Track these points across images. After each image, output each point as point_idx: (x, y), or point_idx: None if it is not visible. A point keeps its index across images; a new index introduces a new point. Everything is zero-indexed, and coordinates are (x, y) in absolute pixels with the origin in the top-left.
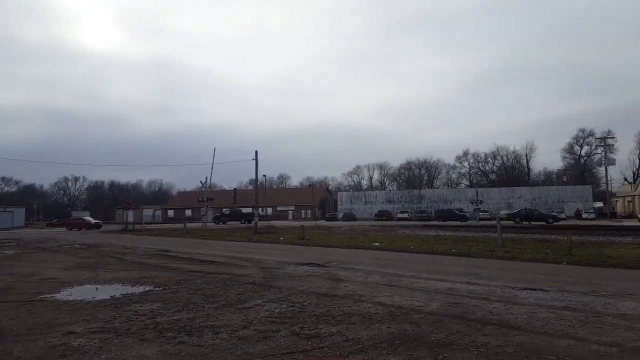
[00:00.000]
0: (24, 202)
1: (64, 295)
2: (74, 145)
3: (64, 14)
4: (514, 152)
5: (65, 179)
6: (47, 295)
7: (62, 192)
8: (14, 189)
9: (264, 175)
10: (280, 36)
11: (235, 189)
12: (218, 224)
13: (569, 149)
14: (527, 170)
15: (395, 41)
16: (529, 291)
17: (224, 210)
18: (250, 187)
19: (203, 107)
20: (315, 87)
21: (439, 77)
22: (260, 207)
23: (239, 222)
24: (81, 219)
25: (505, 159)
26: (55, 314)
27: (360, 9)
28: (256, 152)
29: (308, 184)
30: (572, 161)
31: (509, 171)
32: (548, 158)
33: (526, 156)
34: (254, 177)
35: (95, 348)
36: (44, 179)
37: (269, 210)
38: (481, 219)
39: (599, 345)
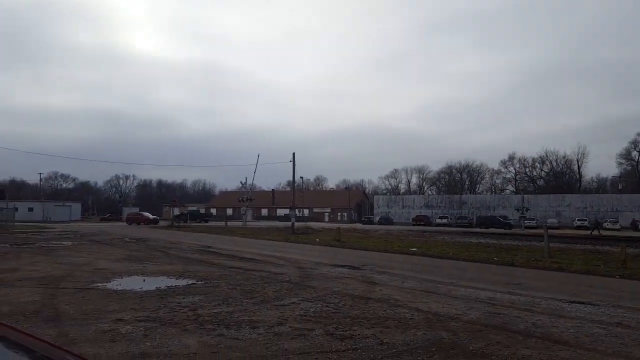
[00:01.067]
0: (80, 197)
1: (114, 284)
2: (125, 146)
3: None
4: (564, 157)
5: (117, 177)
6: (99, 284)
7: (114, 189)
8: (72, 185)
9: (301, 177)
10: (320, 39)
11: (273, 190)
12: (179, 222)
13: (626, 155)
14: (578, 176)
15: (437, 40)
16: (577, 304)
17: (184, 211)
18: (288, 189)
19: (245, 109)
20: (354, 89)
21: (483, 78)
22: (297, 208)
23: (197, 222)
24: (140, 214)
25: (554, 164)
26: (106, 301)
27: (400, 9)
28: (293, 154)
29: (344, 186)
30: (629, 167)
31: (559, 177)
32: (602, 164)
33: (577, 161)
34: (291, 178)
35: (140, 335)
36: (98, 176)
37: (306, 211)
38: (527, 227)
39: None
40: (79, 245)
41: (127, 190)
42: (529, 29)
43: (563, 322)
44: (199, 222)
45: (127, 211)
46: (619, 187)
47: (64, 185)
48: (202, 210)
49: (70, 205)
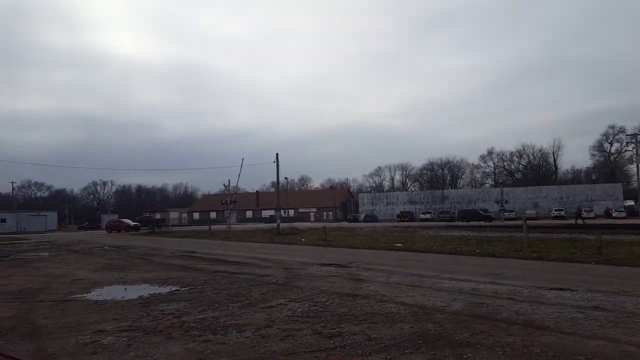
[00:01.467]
0: (55, 206)
1: (94, 295)
2: (102, 150)
3: (89, 20)
4: (540, 151)
5: (95, 184)
6: (79, 295)
7: (91, 196)
8: (46, 193)
9: (285, 178)
10: (304, 38)
11: (257, 191)
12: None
13: (599, 147)
14: (554, 168)
15: (418, 41)
16: (557, 291)
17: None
18: (272, 190)
19: (227, 110)
20: (338, 88)
21: (463, 76)
22: (282, 209)
23: (147, 228)
24: (120, 221)
25: (531, 157)
26: (86, 313)
27: (382, 9)
28: (277, 154)
29: (329, 185)
30: (602, 159)
31: (536, 170)
32: (576, 156)
33: (553, 154)
34: (275, 179)
35: (124, 346)
36: (74, 183)
37: (291, 212)
38: (507, 219)
39: (630, 345)
40: (56, 255)
41: (106, 197)
42: (507, 28)
43: (544, 308)
44: (154, 229)
45: (105, 219)
46: (593, 178)
47: (38, 194)
48: (185, 215)
49: (46, 215)
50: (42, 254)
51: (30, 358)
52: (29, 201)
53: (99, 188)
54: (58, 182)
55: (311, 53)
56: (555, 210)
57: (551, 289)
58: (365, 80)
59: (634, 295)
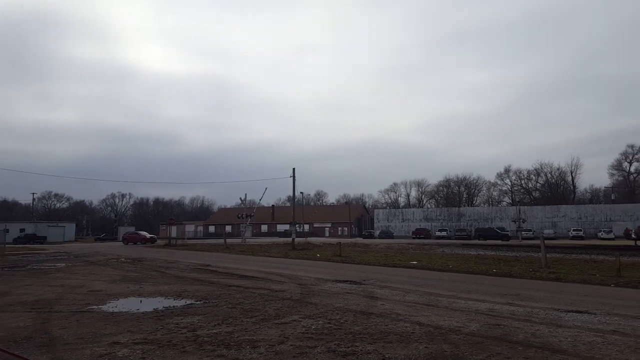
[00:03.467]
0: (74, 217)
1: (110, 306)
2: (124, 163)
3: (118, 33)
4: (558, 169)
5: (113, 196)
6: (95, 307)
7: (109, 208)
8: (65, 205)
9: (301, 192)
10: (326, 53)
11: (273, 205)
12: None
13: (617, 166)
14: (572, 187)
15: (440, 57)
16: (574, 314)
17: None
18: (288, 204)
19: (248, 125)
20: (357, 104)
21: (483, 93)
22: (297, 223)
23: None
24: (137, 233)
25: (549, 176)
26: (102, 324)
27: (406, 25)
28: (294, 169)
29: (345, 201)
30: (621, 178)
31: (554, 189)
32: (595, 175)
33: (571, 173)
34: (291, 193)
35: (138, 358)
36: (93, 195)
37: (306, 227)
38: (524, 239)
39: None
40: (73, 266)
41: (123, 209)
42: (527, 46)
43: (561, 331)
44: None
45: (122, 230)
46: (612, 198)
47: (58, 205)
48: (201, 228)
49: (64, 226)
50: (59, 264)
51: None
52: (48, 212)
53: (117, 200)
54: (78, 193)
55: (332, 68)
56: (573, 230)
57: (569, 311)
58: (385, 96)
59: None
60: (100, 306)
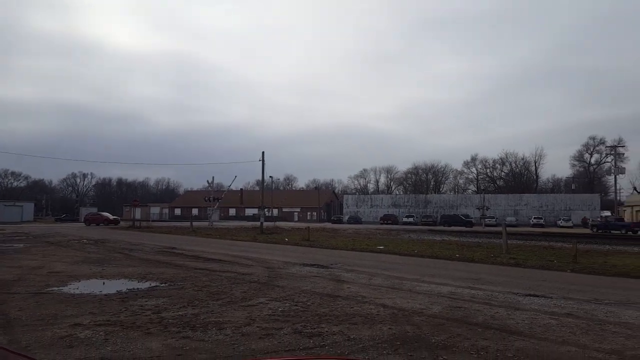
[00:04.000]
0: (32, 197)
1: (71, 288)
2: (87, 142)
3: (80, 6)
4: (522, 159)
5: (74, 175)
6: (55, 288)
7: (70, 188)
8: (23, 184)
9: (270, 177)
10: (300, 35)
11: (242, 189)
12: None
13: (579, 157)
14: (535, 177)
15: (415, 46)
16: (532, 297)
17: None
18: (257, 188)
19: (217, 107)
20: (331, 88)
21: (454, 82)
22: (266, 207)
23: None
24: (99, 214)
25: (513, 165)
26: (63, 306)
27: (379, 12)
28: (263, 153)
29: (314, 186)
30: (582, 169)
31: (517, 178)
32: (558, 166)
33: (535, 163)
34: (260, 178)
35: (101, 340)
36: (53, 174)
37: (275, 211)
38: (487, 225)
39: (598, 352)
40: (32, 247)
41: (85, 190)
42: (497, 38)
43: (519, 314)
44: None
45: (84, 211)
46: (572, 188)
47: (15, 183)
48: (166, 210)
49: (22, 206)
50: (17, 245)
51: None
52: (5, 191)
53: (78, 180)
54: (36, 172)
55: (306, 51)
56: (534, 218)
57: (527, 295)
58: (358, 82)
59: (605, 304)
60: (61, 288)
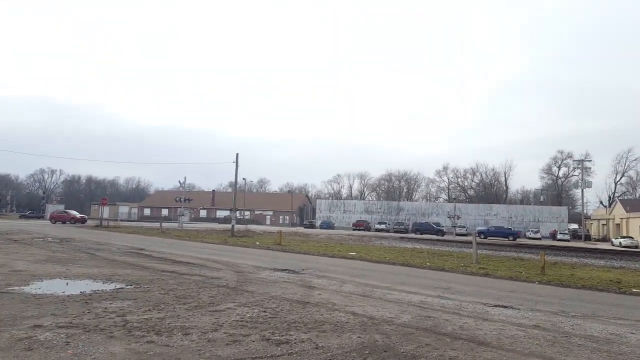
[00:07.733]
0: None
1: (33, 288)
2: (57, 137)
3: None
4: (493, 170)
5: (42, 171)
6: (16, 288)
7: (37, 184)
8: None
9: (243, 179)
10: (272, 35)
11: (214, 190)
12: None
13: (547, 170)
14: (505, 188)
15: (383, 52)
16: (500, 308)
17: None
18: (230, 190)
19: (192, 106)
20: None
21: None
22: (238, 210)
23: None
24: (66, 212)
25: (484, 175)
26: (23, 306)
27: (345, 16)
28: (237, 154)
29: (288, 189)
30: (550, 182)
31: (488, 188)
32: (527, 177)
33: (505, 174)
34: (233, 179)
35: (62, 343)
36: (20, 169)
37: (247, 213)
38: (458, 234)
39: None
40: None
41: (53, 186)
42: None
43: (487, 324)
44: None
45: (51, 208)
46: (541, 200)
47: None
48: (135, 210)
49: None
50: None
51: None
52: None
53: (46, 176)
54: (1, 166)
55: (281, 55)
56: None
57: (495, 305)
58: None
59: (572, 317)
60: (22, 287)
